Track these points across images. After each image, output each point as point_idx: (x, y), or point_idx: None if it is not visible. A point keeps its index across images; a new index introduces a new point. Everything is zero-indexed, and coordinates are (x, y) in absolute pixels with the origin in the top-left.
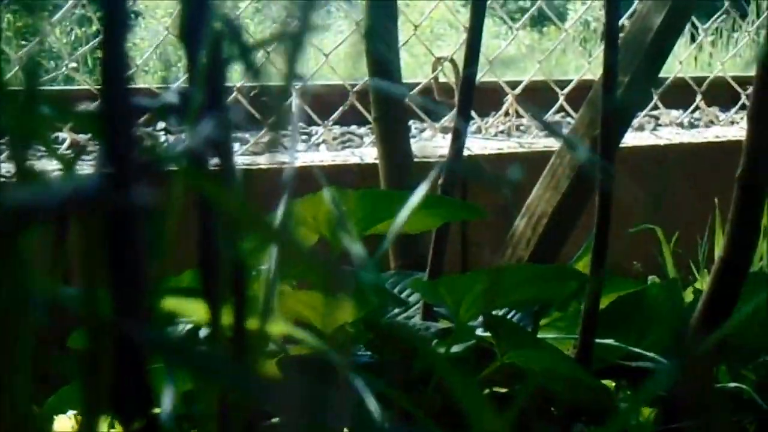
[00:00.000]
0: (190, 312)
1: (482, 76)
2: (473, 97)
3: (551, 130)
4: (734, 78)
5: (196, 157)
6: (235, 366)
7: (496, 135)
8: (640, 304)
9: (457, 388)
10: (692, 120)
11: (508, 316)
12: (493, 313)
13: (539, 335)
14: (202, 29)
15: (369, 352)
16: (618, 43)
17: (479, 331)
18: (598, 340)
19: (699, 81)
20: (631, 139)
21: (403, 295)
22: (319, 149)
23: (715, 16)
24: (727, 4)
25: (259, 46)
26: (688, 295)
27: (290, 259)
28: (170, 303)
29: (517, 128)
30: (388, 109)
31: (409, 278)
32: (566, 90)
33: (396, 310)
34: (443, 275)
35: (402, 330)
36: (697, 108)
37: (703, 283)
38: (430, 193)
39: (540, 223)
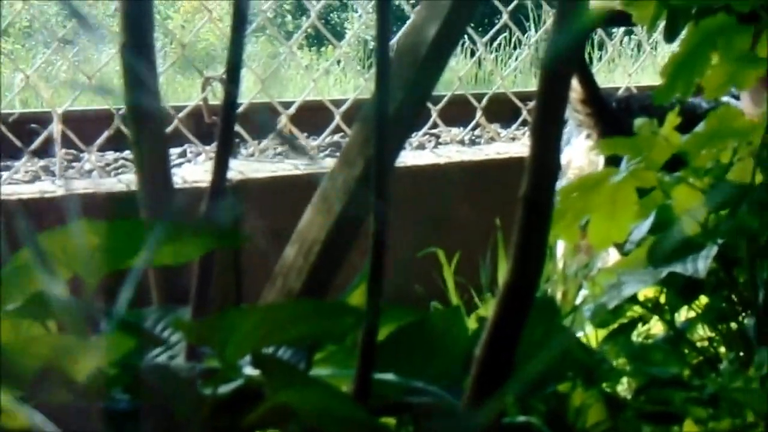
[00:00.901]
0: None
1: (254, 96)
2: (235, 118)
3: (300, 149)
4: (515, 93)
5: None
6: None
7: (274, 157)
8: (422, 334)
9: None
10: (473, 137)
11: (280, 353)
12: (263, 350)
13: (315, 371)
14: None
15: (127, 397)
16: (390, 56)
17: (248, 371)
18: (377, 375)
19: (479, 97)
20: (411, 157)
21: (166, 333)
22: (91, 176)
23: (494, 29)
24: (505, 17)
25: None
26: (473, 323)
27: None
28: None
29: None
30: (146, 132)
31: (173, 314)
32: (342, 109)
33: (158, 350)
34: (212, 309)
35: (161, 372)
36: (477, 125)
37: (488, 308)
38: (189, 221)
39: (312, 250)
